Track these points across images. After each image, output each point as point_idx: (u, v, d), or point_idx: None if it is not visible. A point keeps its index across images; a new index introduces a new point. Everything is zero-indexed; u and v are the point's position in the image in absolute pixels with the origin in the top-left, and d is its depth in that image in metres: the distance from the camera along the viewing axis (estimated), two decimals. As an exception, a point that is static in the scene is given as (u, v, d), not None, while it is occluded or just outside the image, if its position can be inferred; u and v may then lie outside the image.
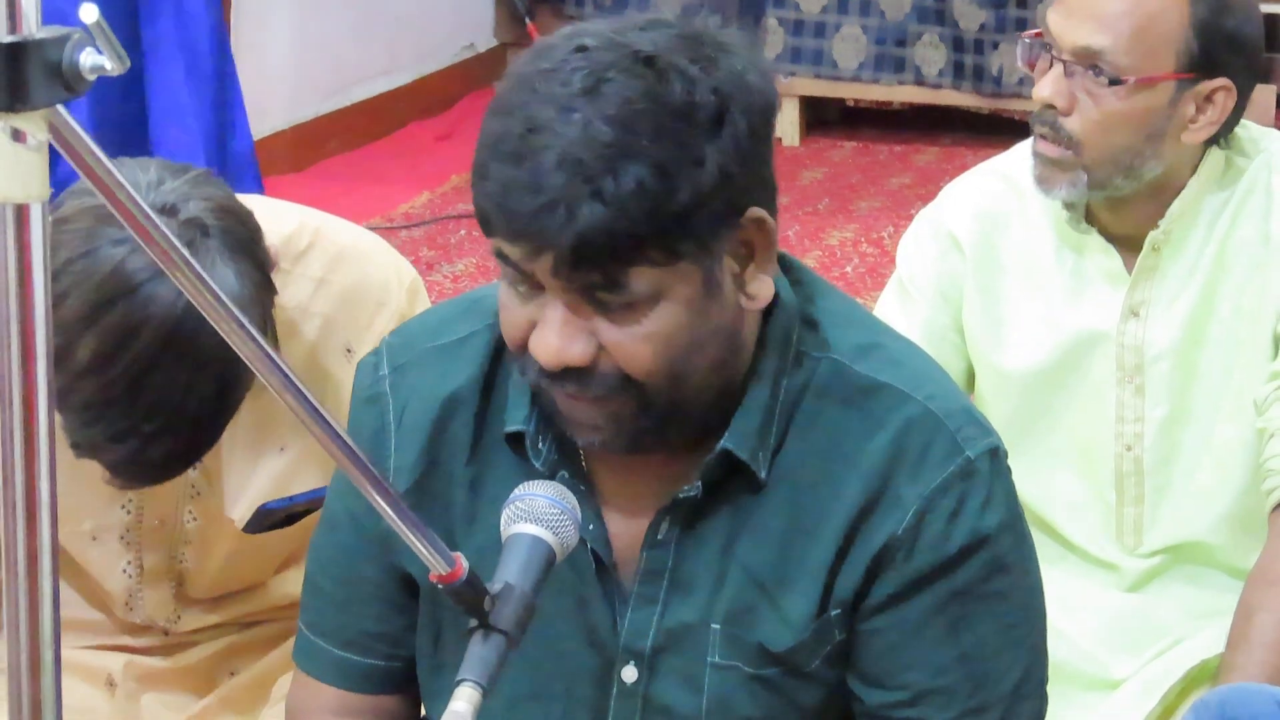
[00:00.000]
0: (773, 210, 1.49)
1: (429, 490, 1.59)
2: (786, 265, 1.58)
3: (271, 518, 2.11)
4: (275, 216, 2.03)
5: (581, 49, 1.40)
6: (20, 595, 1.14)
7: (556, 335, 1.42)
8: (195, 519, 2.18)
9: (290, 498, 2.10)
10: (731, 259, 1.47)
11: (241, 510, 2.10)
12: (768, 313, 1.53)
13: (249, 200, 2.01)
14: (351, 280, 2.16)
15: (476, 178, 1.42)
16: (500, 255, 1.43)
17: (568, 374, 1.43)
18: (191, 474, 2.10)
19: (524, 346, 1.45)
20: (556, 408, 1.48)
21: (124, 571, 2.17)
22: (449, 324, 1.64)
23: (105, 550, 2.15)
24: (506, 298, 1.47)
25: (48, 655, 1.17)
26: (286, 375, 1.23)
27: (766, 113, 1.47)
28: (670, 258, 1.42)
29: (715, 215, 1.44)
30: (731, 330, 1.49)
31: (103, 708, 2.22)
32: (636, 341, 1.44)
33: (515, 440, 1.55)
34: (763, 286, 1.49)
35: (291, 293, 2.10)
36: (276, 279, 1.99)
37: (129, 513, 2.14)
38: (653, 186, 1.39)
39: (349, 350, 2.14)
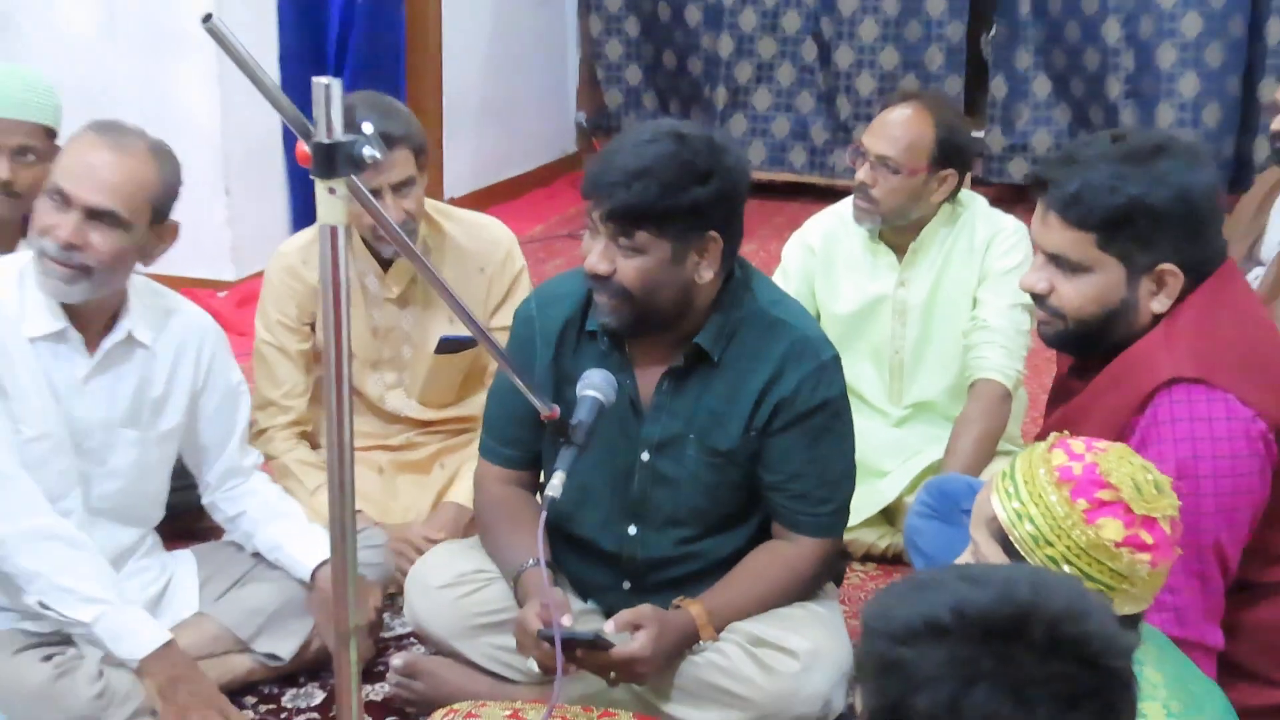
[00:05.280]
0: (734, 239, 2.47)
1: (555, 367, 2.53)
2: (741, 262, 2.56)
3: (447, 345, 3.18)
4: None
5: (656, 128, 2.37)
6: (333, 425, 1.76)
7: (596, 256, 2.41)
8: (410, 353, 3.26)
9: (456, 336, 3.15)
10: (695, 253, 2.42)
11: (433, 343, 3.21)
12: (728, 279, 2.49)
13: None
14: (485, 229, 3.30)
15: (587, 168, 2.43)
16: (589, 212, 2.40)
17: (598, 279, 2.42)
18: (404, 325, 3.26)
19: None
20: (596, 303, 2.46)
21: (384, 383, 3.32)
22: (564, 282, 2.61)
23: (377, 378, 3.33)
24: (586, 238, 2.44)
25: (348, 457, 1.76)
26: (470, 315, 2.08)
27: (738, 187, 2.43)
28: (658, 233, 2.37)
29: (687, 223, 2.38)
30: (685, 285, 2.44)
31: (376, 484, 3.28)
32: (630, 270, 2.41)
33: (592, 336, 2.52)
34: (706, 273, 2.45)
35: (454, 229, 3.27)
36: (448, 227, 3.28)
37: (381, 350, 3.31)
38: (655, 194, 2.35)
39: (481, 270, 3.25)
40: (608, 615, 2.56)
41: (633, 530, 2.61)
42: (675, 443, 2.56)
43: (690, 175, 2.36)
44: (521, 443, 2.67)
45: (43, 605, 2.51)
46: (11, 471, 2.51)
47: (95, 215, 2.53)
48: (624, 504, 2.61)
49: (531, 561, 2.51)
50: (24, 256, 2.64)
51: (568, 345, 2.57)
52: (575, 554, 2.67)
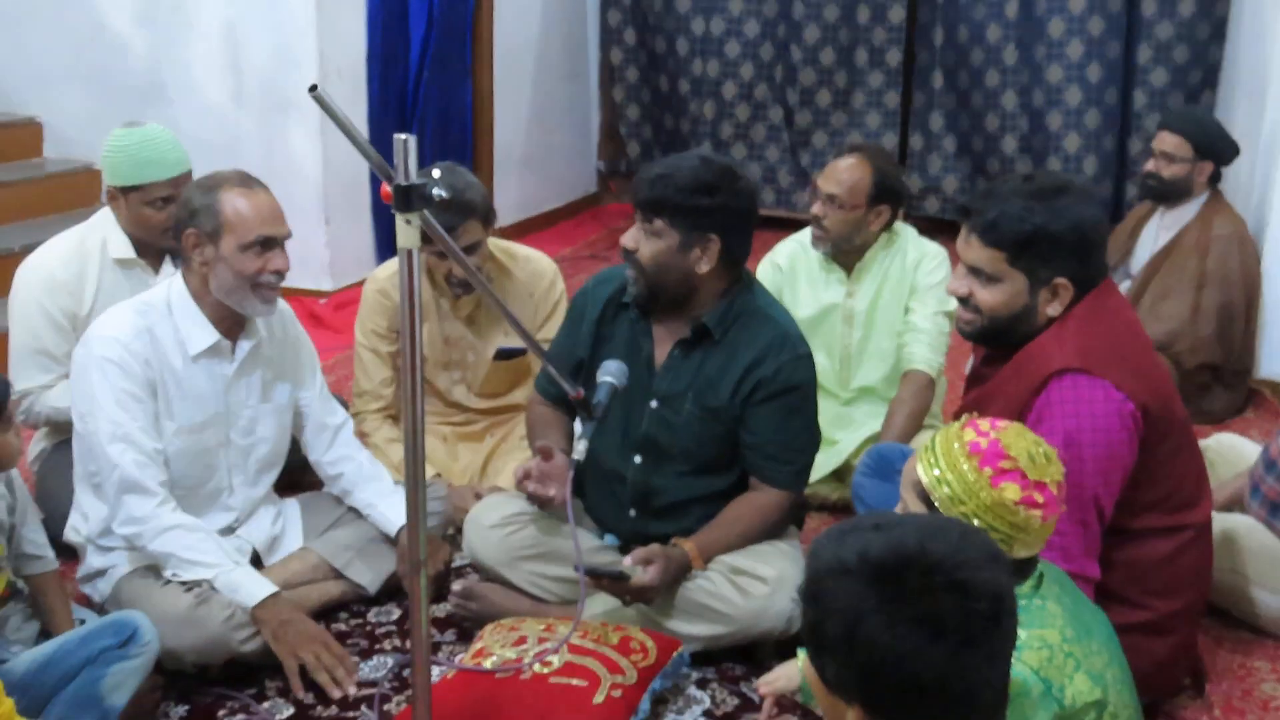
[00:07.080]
0: (733, 248, 2.47)
1: (601, 333, 2.56)
2: (747, 272, 2.56)
3: (503, 354, 3.19)
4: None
5: (696, 152, 2.39)
6: (408, 403, 1.75)
7: (629, 236, 2.44)
8: (474, 358, 3.24)
9: (510, 348, 3.15)
10: (698, 248, 2.43)
11: (491, 351, 3.21)
12: (737, 280, 2.51)
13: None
14: (534, 263, 3.26)
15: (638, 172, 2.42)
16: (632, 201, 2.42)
17: (627, 253, 2.45)
18: (469, 337, 3.23)
19: None
20: (628, 274, 2.50)
21: (452, 379, 3.29)
22: (612, 271, 2.61)
23: (447, 376, 3.29)
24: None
25: (419, 431, 1.76)
26: (511, 316, 2.04)
27: (741, 205, 2.44)
28: (671, 222, 2.40)
29: (693, 221, 2.40)
30: (687, 272, 2.47)
31: (441, 450, 3.26)
32: (648, 249, 2.44)
33: (627, 308, 2.55)
34: (704, 266, 2.46)
35: (511, 264, 3.24)
36: (506, 261, 3.23)
37: (450, 357, 3.28)
38: (670, 192, 2.38)
39: (530, 295, 3.21)
40: (623, 547, 2.61)
41: (637, 459, 2.62)
42: (677, 397, 2.58)
43: (700, 185, 2.42)
44: (563, 398, 2.75)
45: (175, 576, 2.51)
46: (146, 486, 2.49)
47: (282, 242, 2.56)
48: (633, 438, 2.63)
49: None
50: (155, 295, 2.59)
51: (609, 313, 2.62)
52: (594, 481, 2.70)
